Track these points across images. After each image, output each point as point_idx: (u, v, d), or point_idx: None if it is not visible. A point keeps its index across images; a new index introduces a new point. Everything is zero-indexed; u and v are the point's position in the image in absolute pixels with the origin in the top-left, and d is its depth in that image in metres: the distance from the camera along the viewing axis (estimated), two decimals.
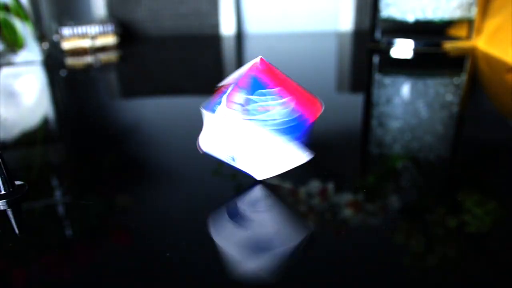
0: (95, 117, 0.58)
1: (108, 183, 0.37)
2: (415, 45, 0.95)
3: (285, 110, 0.28)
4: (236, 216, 0.30)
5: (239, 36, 1.30)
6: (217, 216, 0.30)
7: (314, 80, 0.74)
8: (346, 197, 0.32)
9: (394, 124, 0.50)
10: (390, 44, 0.97)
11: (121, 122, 0.56)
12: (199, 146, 0.32)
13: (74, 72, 0.90)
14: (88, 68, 0.94)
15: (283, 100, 0.28)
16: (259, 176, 0.32)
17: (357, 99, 0.65)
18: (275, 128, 0.28)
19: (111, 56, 1.04)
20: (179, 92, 0.69)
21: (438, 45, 0.95)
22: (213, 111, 0.29)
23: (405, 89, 0.66)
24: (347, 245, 0.27)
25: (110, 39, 1.11)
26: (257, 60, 0.30)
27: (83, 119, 0.58)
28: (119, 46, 1.12)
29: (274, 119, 0.28)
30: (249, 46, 1.19)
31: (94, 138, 0.49)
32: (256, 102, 0.28)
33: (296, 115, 0.29)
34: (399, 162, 0.40)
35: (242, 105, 0.28)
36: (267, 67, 0.30)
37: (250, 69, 0.30)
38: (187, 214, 0.31)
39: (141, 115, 0.59)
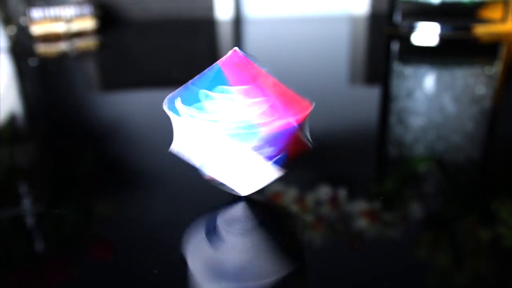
0: (70, 114, 0.58)
1: (85, 189, 0.37)
2: (441, 30, 0.94)
3: (246, 113, 0.28)
4: (228, 234, 0.30)
5: (237, 20, 1.30)
6: (207, 229, 0.30)
7: (324, 71, 0.74)
8: (360, 205, 0.32)
9: (416, 122, 0.50)
10: (411, 29, 0.97)
11: (101, 119, 0.56)
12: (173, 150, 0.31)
13: (45, 61, 0.90)
14: (62, 56, 0.94)
15: (249, 101, 0.28)
16: (243, 192, 0.32)
17: (373, 93, 0.65)
18: (229, 132, 0.28)
19: (89, 43, 1.04)
20: (168, 84, 0.69)
21: (468, 29, 0.95)
22: (176, 112, 0.29)
23: (429, 80, 0.66)
24: (362, 261, 0.27)
25: (88, 23, 1.11)
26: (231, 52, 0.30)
27: (56, 116, 0.58)
28: (98, 31, 1.12)
29: (227, 122, 0.28)
30: (248, 32, 1.19)
31: (69, 138, 0.49)
32: (212, 98, 0.28)
33: (268, 126, 0.28)
34: (422, 165, 0.40)
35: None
36: (240, 61, 0.29)
37: (220, 61, 0.30)
38: (176, 224, 0.31)
39: (123, 110, 0.59)
